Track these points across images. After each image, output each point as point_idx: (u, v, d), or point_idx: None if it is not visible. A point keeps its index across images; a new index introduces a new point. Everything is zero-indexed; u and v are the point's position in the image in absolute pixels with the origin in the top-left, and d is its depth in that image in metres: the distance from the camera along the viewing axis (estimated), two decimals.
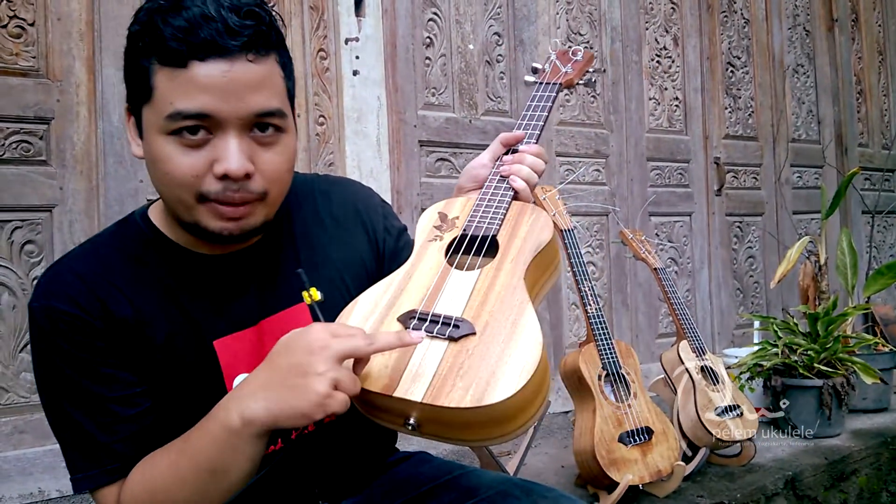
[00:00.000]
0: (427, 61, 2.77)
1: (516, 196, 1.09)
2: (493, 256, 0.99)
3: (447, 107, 2.81)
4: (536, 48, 3.06)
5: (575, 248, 2.10)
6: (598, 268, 3.25)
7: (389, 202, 2.55)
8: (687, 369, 2.20)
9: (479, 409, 0.80)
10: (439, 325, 0.88)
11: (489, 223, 1.03)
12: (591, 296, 2.07)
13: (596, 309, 2.07)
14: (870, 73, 4.62)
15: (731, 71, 3.85)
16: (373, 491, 1.13)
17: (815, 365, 2.58)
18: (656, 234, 3.48)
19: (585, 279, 2.08)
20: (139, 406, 0.95)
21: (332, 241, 1.09)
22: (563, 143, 3.16)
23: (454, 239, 1.03)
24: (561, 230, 2.09)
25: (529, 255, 0.98)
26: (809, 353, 2.61)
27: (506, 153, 1.16)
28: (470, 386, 0.81)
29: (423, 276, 0.97)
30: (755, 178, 3.93)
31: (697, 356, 2.24)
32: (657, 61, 3.54)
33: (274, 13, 0.94)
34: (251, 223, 0.94)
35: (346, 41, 2.52)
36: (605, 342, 2.05)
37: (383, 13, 2.62)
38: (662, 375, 2.28)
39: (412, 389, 0.83)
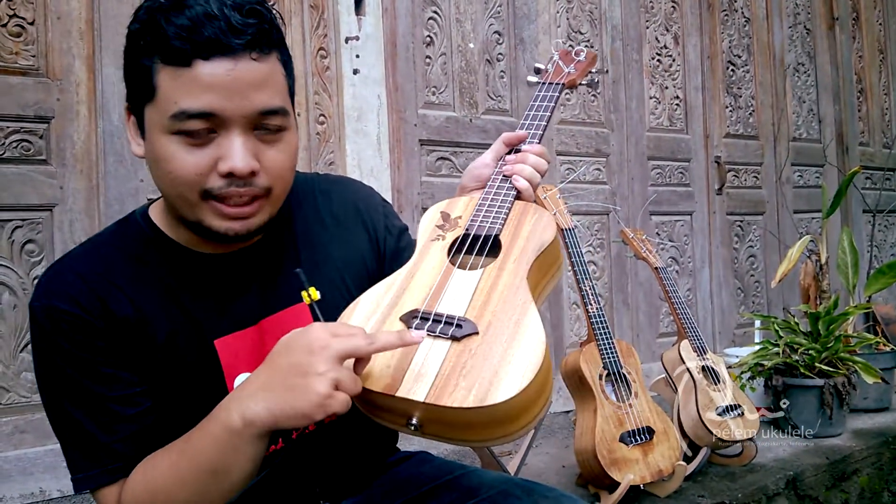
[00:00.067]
0: (427, 60, 2.76)
1: (519, 196, 1.09)
2: (496, 256, 0.99)
3: (447, 106, 2.81)
4: (537, 47, 3.06)
5: (576, 248, 2.10)
6: (599, 267, 3.24)
7: (390, 201, 2.54)
8: (688, 369, 2.20)
9: (482, 409, 0.80)
10: (442, 325, 0.88)
11: (492, 223, 1.03)
12: (592, 295, 2.07)
13: (597, 308, 2.07)
14: (871, 71, 4.62)
15: (732, 69, 3.84)
16: (373, 491, 1.12)
17: (817, 364, 2.58)
18: (657, 233, 3.48)
19: (586, 278, 2.08)
20: (140, 406, 0.95)
21: (333, 241, 1.09)
22: (564, 142, 3.15)
23: (457, 238, 1.03)
24: (562, 229, 2.09)
25: (532, 255, 0.98)
26: (810, 352, 2.60)
27: (508, 153, 1.15)
28: (473, 386, 0.81)
29: (425, 276, 0.97)
30: (756, 177, 3.93)
31: (698, 355, 2.24)
32: (658, 60, 3.54)
33: (274, 11, 0.93)
34: (256, 222, 0.94)
35: (347, 40, 2.51)
36: (606, 342, 2.04)
37: (383, 12, 2.62)
38: (663, 375, 2.28)
39: (415, 389, 0.82)
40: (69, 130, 2.06)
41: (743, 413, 2.19)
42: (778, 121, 4.02)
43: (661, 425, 2.01)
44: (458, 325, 0.88)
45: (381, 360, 0.86)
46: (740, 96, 3.87)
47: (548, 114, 1.20)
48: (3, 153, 1.96)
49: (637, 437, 1.96)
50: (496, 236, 1.01)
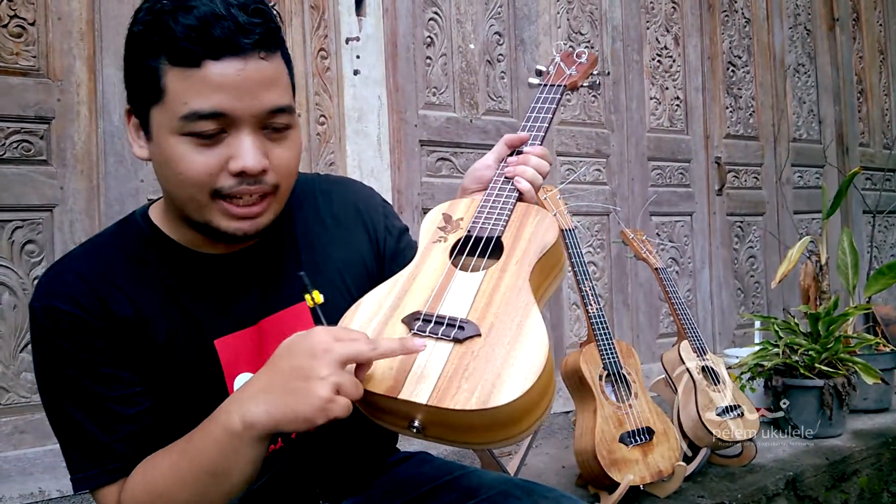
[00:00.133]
0: (428, 61, 2.77)
1: (521, 197, 1.09)
2: (498, 258, 0.98)
3: (448, 106, 2.81)
4: (537, 48, 3.06)
5: (576, 248, 2.10)
6: (599, 267, 3.24)
7: (390, 202, 2.54)
8: (688, 369, 2.20)
9: (485, 411, 0.79)
10: (444, 327, 0.88)
11: (494, 224, 1.03)
12: (592, 296, 2.07)
13: (597, 309, 2.07)
14: (871, 72, 4.62)
15: (732, 70, 3.85)
16: (373, 491, 1.13)
17: (816, 365, 2.58)
18: (657, 233, 3.48)
19: (586, 279, 2.08)
20: (140, 405, 0.95)
21: (333, 241, 1.09)
22: (564, 142, 3.15)
23: (459, 240, 1.02)
24: (562, 230, 2.09)
25: (534, 257, 0.98)
26: (810, 353, 2.60)
27: (510, 154, 1.15)
28: (475, 388, 0.81)
29: (427, 278, 0.96)
30: (756, 177, 3.93)
31: (698, 356, 2.24)
32: (658, 61, 3.54)
33: (274, 11, 0.94)
34: (264, 221, 0.95)
35: (347, 41, 2.51)
36: (606, 342, 2.05)
37: (384, 12, 2.62)
38: (663, 375, 2.28)
39: (417, 391, 0.82)
40: (70, 131, 2.06)
41: (743, 413, 2.19)
42: (778, 121, 4.02)
43: (660, 426, 2.01)
44: (461, 327, 0.87)
45: (383, 362, 0.86)
46: (740, 97, 3.88)
47: (549, 116, 1.19)
48: (4, 153, 1.96)
49: (637, 438, 1.96)
50: (498, 238, 1.01)
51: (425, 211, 2.69)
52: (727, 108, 3.81)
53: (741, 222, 3.85)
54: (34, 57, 2.02)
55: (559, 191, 2.18)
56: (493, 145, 1.19)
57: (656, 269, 2.37)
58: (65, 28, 2.06)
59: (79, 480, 0.94)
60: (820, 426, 2.58)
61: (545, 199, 2.11)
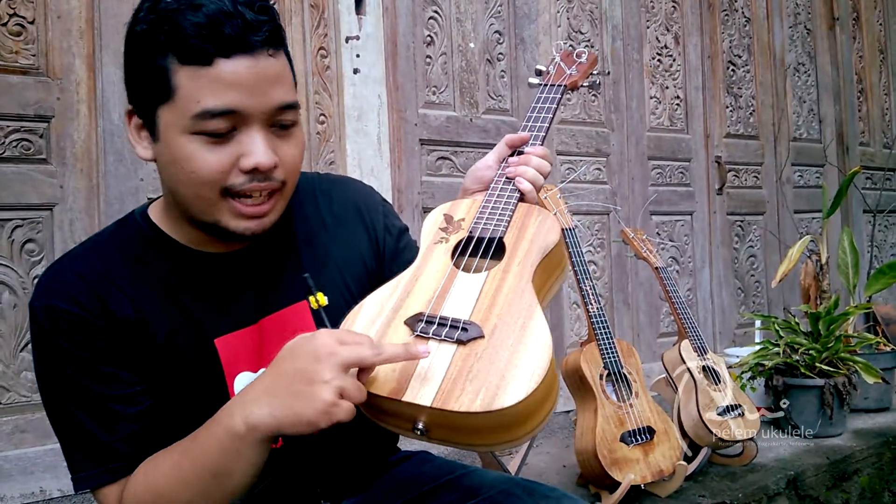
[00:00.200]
0: (428, 60, 2.76)
1: (522, 198, 1.08)
2: (500, 259, 0.98)
3: (448, 105, 2.81)
4: (537, 47, 3.05)
5: (576, 248, 2.10)
6: (600, 267, 3.24)
7: (390, 201, 2.54)
8: (688, 368, 2.20)
9: (489, 413, 0.79)
10: (447, 329, 0.87)
11: (496, 225, 1.02)
12: (593, 295, 2.07)
13: (597, 308, 2.07)
14: (871, 71, 4.62)
15: (732, 69, 3.84)
16: (374, 490, 1.12)
17: (817, 364, 2.58)
18: (657, 233, 3.48)
19: (587, 278, 2.08)
20: (140, 405, 0.95)
21: (333, 240, 1.09)
22: (564, 141, 3.15)
23: (460, 241, 1.02)
24: (562, 229, 2.08)
25: (537, 258, 0.97)
26: (811, 352, 2.60)
27: (511, 155, 1.14)
28: (480, 390, 0.80)
29: (429, 279, 0.96)
30: (756, 176, 3.93)
31: (699, 355, 2.24)
32: (658, 60, 3.53)
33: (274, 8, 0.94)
34: (271, 219, 0.95)
35: (347, 39, 2.51)
36: (606, 341, 2.04)
37: (384, 11, 2.61)
38: (664, 375, 2.28)
39: (421, 394, 0.81)
40: (69, 129, 2.05)
41: (743, 413, 2.19)
42: (778, 121, 4.02)
43: (661, 425, 2.01)
44: (464, 329, 0.87)
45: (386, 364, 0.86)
46: (741, 96, 3.87)
47: (550, 116, 1.19)
48: (3, 152, 1.96)
49: (638, 437, 1.96)
50: (500, 239, 1.00)
51: (425, 210, 2.68)
52: (727, 107, 3.80)
53: (741, 221, 3.85)
54: (34, 55, 2.02)
55: (559, 190, 2.17)
56: (493, 144, 1.19)
57: (657, 268, 2.37)
58: (64, 26, 2.05)
59: (80, 480, 0.94)
60: (821, 425, 2.58)
61: (545, 198, 2.10)
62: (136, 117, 0.94)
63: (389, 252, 1.13)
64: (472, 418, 0.80)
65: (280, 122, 0.92)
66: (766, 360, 2.65)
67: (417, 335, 0.87)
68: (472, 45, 2.87)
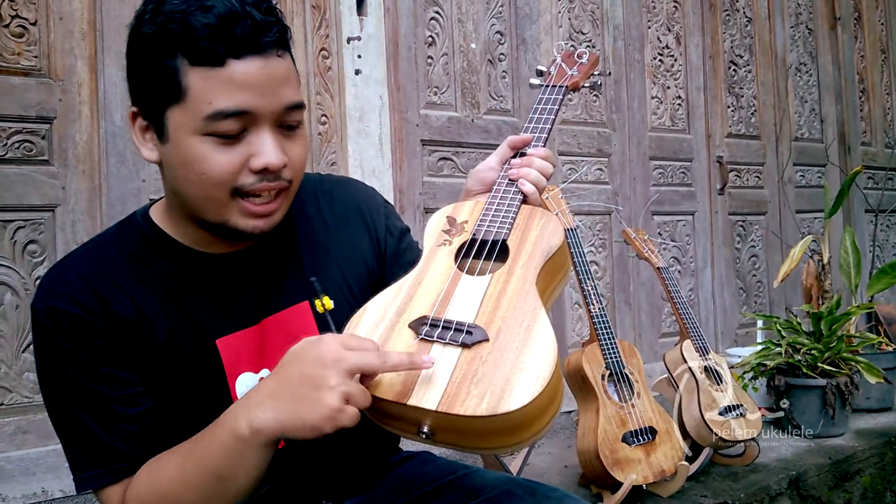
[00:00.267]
0: (429, 60, 2.76)
1: (525, 200, 1.08)
2: (504, 261, 0.98)
3: (449, 106, 2.81)
4: (539, 47, 3.05)
5: (578, 248, 2.10)
6: (601, 267, 3.24)
7: (392, 202, 2.54)
8: (690, 368, 2.20)
9: (495, 417, 0.79)
10: (452, 332, 0.87)
11: (499, 227, 1.02)
12: (594, 295, 2.07)
13: (599, 308, 2.07)
14: (873, 71, 4.62)
15: (734, 69, 3.84)
16: (376, 491, 1.12)
17: (819, 364, 2.58)
18: (659, 233, 3.48)
19: (588, 278, 2.08)
20: (142, 405, 0.95)
21: (335, 241, 1.09)
22: (566, 141, 3.15)
23: (464, 243, 1.02)
24: (564, 230, 2.09)
25: (541, 260, 0.97)
26: (813, 352, 2.60)
27: (513, 156, 1.14)
28: (485, 393, 0.80)
29: (433, 282, 0.96)
30: (758, 176, 3.93)
31: (701, 355, 2.24)
32: (660, 60, 3.53)
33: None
34: (277, 218, 0.96)
35: (349, 40, 2.51)
36: (608, 342, 2.04)
37: (385, 12, 2.61)
38: (666, 375, 2.28)
39: (426, 397, 0.81)
40: (71, 131, 2.06)
41: (745, 413, 2.19)
42: (780, 121, 4.02)
43: (663, 425, 2.01)
44: (469, 332, 0.87)
45: None
46: (742, 96, 3.87)
47: (552, 117, 1.18)
48: (6, 154, 1.96)
49: (639, 437, 1.95)
50: (504, 241, 1.00)
51: (427, 210, 2.69)
52: (729, 107, 3.80)
53: (743, 221, 3.84)
54: (36, 57, 2.02)
55: (561, 190, 2.17)
56: (494, 145, 1.19)
57: (658, 268, 2.37)
58: (66, 28, 2.06)
59: (82, 480, 0.94)
60: (823, 425, 2.57)
61: (547, 198, 2.10)
62: (140, 119, 0.94)
63: (391, 253, 1.13)
64: (477, 422, 0.80)
65: (287, 122, 0.93)
66: (768, 360, 2.65)
67: (422, 339, 0.87)
68: (473, 45, 2.88)
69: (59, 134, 2.04)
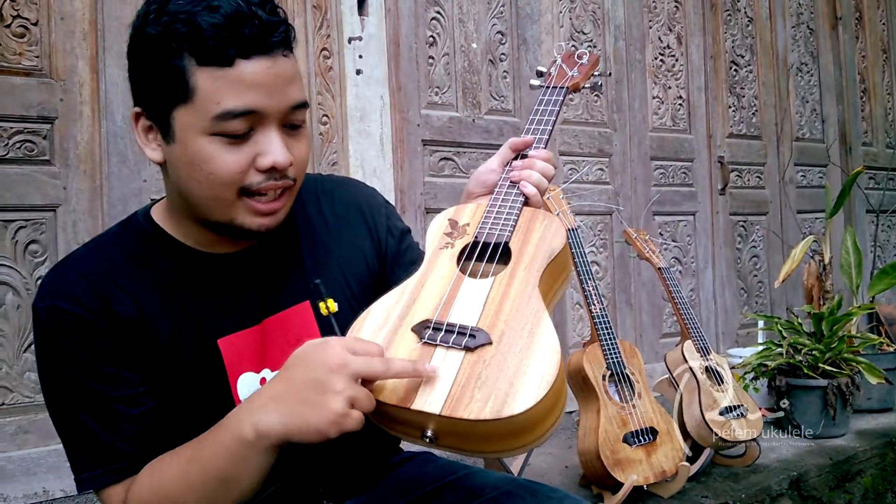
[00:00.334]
0: (430, 60, 2.76)
1: (527, 202, 1.07)
2: (506, 264, 0.97)
3: (450, 106, 2.81)
4: (540, 47, 3.05)
5: (579, 248, 2.10)
6: (602, 267, 3.24)
7: (393, 202, 2.54)
8: (691, 369, 2.20)
9: (499, 420, 0.79)
10: (455, 335, 0.87)
11: (501, 230, 1.02)
12: (595, 295, 2.07)
13: (600, 308, 2.07)
14: (874, 71, 4.61)
15: (735, 70, 3.84)
16: (377, 491, 1.12)
17: (820, 365, 2.58)
18: (660, 233, 3.48)
19: (589, 279, 2.08)
20: (143, 405, 0.95)
21: (336, 240, 1.09)
22: (567, 142, 3.15)
23: (466, 246, 1.01)
24: (565, 229, 2.09)
25: (543, 263, 0.97)
26: (814, 352, 2.60)
27: (515, 158, 1.14)
28: (489, 397, 0.80)
29: (435, 285, 0.95)
30: (759, 177, 3.93)
31: (702, 356, 2.24)
32: (661, 60, 3.53)
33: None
34: (282, 215, 0.97)
35: (350, 40, 2.51)
36: (609, 342, 2.04)
37: (386, 12, 2.62)
38: (667, 375, 2.27)
39: (429, 401, 0.81)
40: (72, 131, 2.06)
41: (746, 413, 2.19)
42: (781, 121, 4.02)
43: (664, 426, 2.01)
44: (472, 336, 0.87)
45: None
46: (743, 96, 3.87)
47: (553, 118, 1.18)
48: (7, 154, 1.96)
49: (640, 438, 1.95)
50: (506, 244, 1.00)
51: (428, 211, 2.69)
52: (730, 107, 3.80)
53: (744, 222, 3.84)
54: (37, 57, 2.02)
55: (562, 190, 2.17)
56: (495, 145, 1.19)
57: (659, 268, 2.37)
58: (67, 28, 2.06)
59: (83, 480, 0.94)
60: (824, 426, 2.57)
61: (548, 198, 2.10)
62: (144, 119, 0.94)
63: (391, 253, 1.13)
64: (481, 426, 0.79)
65: (292, 121, 0.94)
66: (769, 360, 2.65)
67: (425, 342, 0.87)
68: (474, 45, 2.88)
69: (60, 134, 2.04)
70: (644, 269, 3.31)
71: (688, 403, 2.15)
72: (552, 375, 0.82)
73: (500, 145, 1.16)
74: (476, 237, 1.02)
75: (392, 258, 1.13)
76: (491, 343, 0.86)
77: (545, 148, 1.14)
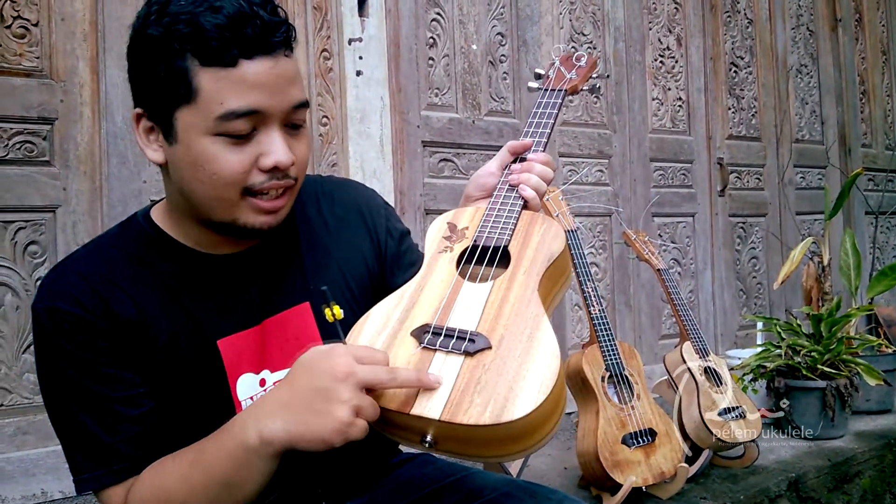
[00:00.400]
0: (430, 61, 2.77)
1: (526, 205, 1.07)
2: (505, 267, 0.97)
3: (450, 107, 2.81)
4: (540, 48, 3.06)
5: (578, 249, 2.10)
6: (602, 269, 3.24)
7: (392, 203, 2.55)
8: (690, 370, 2.20)
9: (499, 426, 0.79)
10: (454, 340, 0.87)
11: (500, 233, 1.02)
12: (595, 297, 2.07)
13: (599, 310, 2.07)
14: (873, 73, 4.62)
15: (735, 71, 3.84)
16: (376, 492, 1.12)
17: (819, 366, 2.58)
18: (659, 234, 3.48)
19: (589, 280, 2.08)
20: (143, 406, 0.95)
21: (335, 241, 1.09)
22: (567, 143, 3.15)
23: (465, 250, 1.01)
24: (564, 231, 2.09)
25: (542, 266, 0.97)
26: (813, 354, 2.60)
27: (513, 161, 1.14)
28: (488, 402, 0.80)
29: (434, 289, 0.95)
30: (758, 178, 3.93)
31: (700, 357, 2.24)
32: (660, 61, 3.53)
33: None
34: (284, 213, 0.97)
35: (350, 41, 2.52)
36: (608, 343, 2.04)
37: (386, 13, 2.62)
38: (666, 377, 2.28)
39: (429, 407, 0.81)
40: (72, 132, 2.06)
41: (744, 414, 2.19)
42: (780, 122, 4.02)
43: (663, 427, 2.01)
44: (471, 340, 0.86)
45: None
46: (743, 98, 3.87)
47: (551, 121, 1.18)
48: (7, 154, 1.97)
49: (639, 439, 1.96)
50: (505, 247, 1.00)
51: (428, 212, 2.69)
52: (729, 108, 3.80)
53: (743, 223, 3.84)
54: (37, 58, 2.02)
55: (561, 191, 2.17)
56: (495, 146, 1.19)
57: (658, 270, 2.37)
58: (68, 29, 2.06)
59: (82, 481, 0.94)
60: (822, 427, 2.57)
61: (547, 199, 2.10)
62: (145, 120, 0.94)
63: (391, 254, 1.13)
64: (480, 431, 0.79)
65: (293, 121, 0.94)
66: (768, 361, 2.65)
67: (424, 347, 0.87)
68: (474, 46, 2.88)
69: (60, 135, 2.04)
70: (643, 271, 3.31)
71: (687, 405, 2.15)
72: (551, 380, 0.81)
73: (500, 147, 1.17)
74: (475, 241, 1.02)
75: (391, 260, 1.13)
76: (490, 347, 0.86)
77: (544, 151, 1.14)
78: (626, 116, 3.37)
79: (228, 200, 0.92)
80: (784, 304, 3.92)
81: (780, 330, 2.75)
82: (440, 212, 1.12)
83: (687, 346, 2.25)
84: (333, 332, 0.90)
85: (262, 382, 1.01)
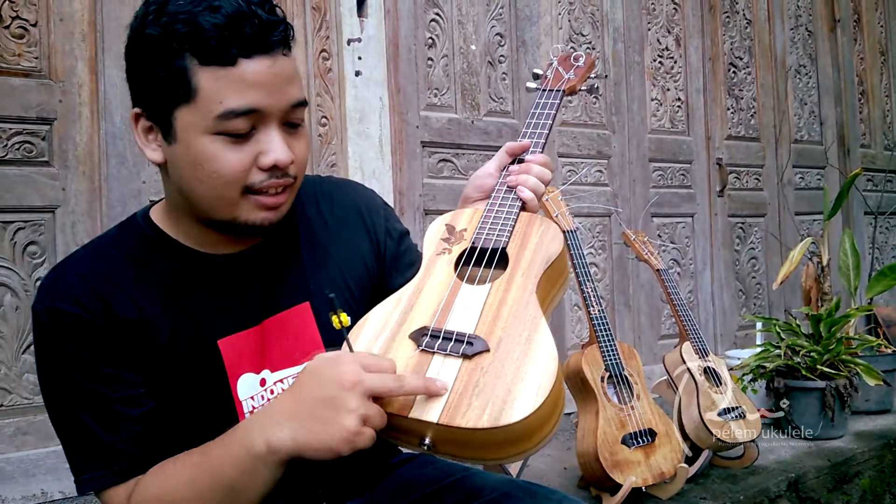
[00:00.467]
0: (429, 62, 2.77)
1: (524, 207, 1.07)
2: (504, 269, 0.97)
3: (449, 107, 2.81)
4: (538, 49, 3.06)
5: (577, 250, 2.10)
6: (601, 269, 3.24)
7: (392, 203, 2.55)
8: (689, 370, 2.20)
9: (496, 429, 0.79)
10: (452, 343, 0.87)
11: (498, 235, 1.01)
12: (594, 297, 2.07)
13: (598, 310, 2.07)
14: (872, 73, 4.62)
15: (734, 72, 3.85)
16: (376, 492, 1.12)
17: (818, 367, 2.58)
18: (658, 235, 3.48)
19: (588, 280, 2.08)
20: (143, 406, 0.95)
21: (335, 241, 1.09)
22: (566, 143, 3.15)
23: (463, 252, 1.01)
24: (563, 231, 2.09)
25: (540, 268, 0.97)
26: (812, 354, 2.60)
27: (512, 162, 1.13)
28: (486, 405, 0.80)
29: (433, 292, 0.95)
30: (757, 178, 3.93)
31: (700, 357, 2.24)
32: (659, 62, 3.54)
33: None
34: (285, 209, 0.98)
35: (349, 42, 2.52)
36: (607, 343, 2.04)
37: (385, 14, 2.62)
38: (665, 377, 2.28)
39: (427, 410, 0.81)
40: (71, 132, 2.06)
41: (744, 415, 2.19)
42: (779, 123, 4.02)
43: (662, 427, 2.01)
44: (469, 343, 0.86)
45: None
46: (742, 98, 3.88)
47: (549, 122, 1.17)
48: (6, 155, 1.96)
49: (639, 440, 1.96)
50: (503, 249, 1.00)
51: (427, 212, 2.69)
52: (728, 109, 3.81)
53: (742, 223, 3.85)
54: (36, 58, 2.02)
55: (561, 192, 2.17)
56: (494, 146, 1.19)
57: (658, 270, 2.37)
58: (67, 29, 2.06)
59: (83, 482, 0.94)
60: (822, 428, 2.58)
61: (546, 200, 2.10)
62: (144, 120, 0.94)
63: (390, 255, 1.13)
64: (479, 434, 0.79)
65: (292, 119, 0.94)
66: (768, 362, 2.65)
67: (422, 350, 0.87)
68: (473, 47, 2.88)
69: (59, 135, 2.04)
70: (642, 271, 3.31)
71: (686, 405, 2.15)
72: (550, 383, 0.81)
73: (499, 147, 1.16)
74: (473, 242, 1.02)
75: (391, 260, 1.13)
76: (488, 350, 0.86)
77: (542, 152, 1.14)
78: (625, 117, 3.37)
79: (229, 199, 0.92)
80: (783, 304, 3.92)
81: (779, 330, 2.76)
82: (439, 212, 1.12)
83: (686, 346, 2.25)
84: (333, 332, 0.90)
85: (263, 382, 1.01)
